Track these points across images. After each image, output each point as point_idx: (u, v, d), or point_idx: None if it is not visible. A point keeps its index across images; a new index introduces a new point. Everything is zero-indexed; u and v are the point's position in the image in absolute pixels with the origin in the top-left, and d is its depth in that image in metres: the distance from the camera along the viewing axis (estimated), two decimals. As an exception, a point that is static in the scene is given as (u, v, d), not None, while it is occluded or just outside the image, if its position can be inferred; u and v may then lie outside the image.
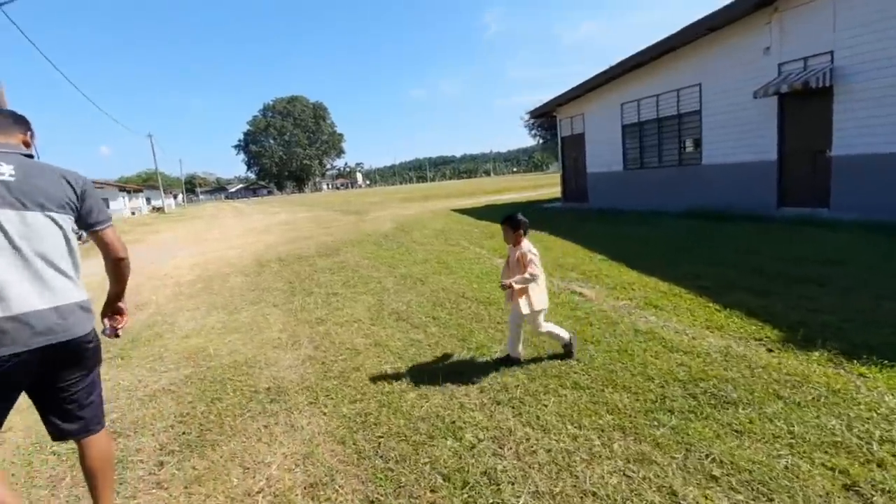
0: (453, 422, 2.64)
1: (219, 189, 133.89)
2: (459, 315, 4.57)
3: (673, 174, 12.11)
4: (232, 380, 3.52)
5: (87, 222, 1.84)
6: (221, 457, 2.51)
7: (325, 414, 2.87)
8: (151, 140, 50.36)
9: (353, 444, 2.52)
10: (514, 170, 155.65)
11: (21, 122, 1.90)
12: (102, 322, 2.03)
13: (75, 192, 1.78)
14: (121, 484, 2.34)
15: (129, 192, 48.82)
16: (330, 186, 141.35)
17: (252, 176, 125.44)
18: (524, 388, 2.96)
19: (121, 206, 44.16)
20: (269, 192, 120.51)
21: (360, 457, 2.40)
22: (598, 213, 12.69)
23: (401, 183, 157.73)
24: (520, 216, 3.18)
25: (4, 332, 1.55)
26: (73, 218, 1.78)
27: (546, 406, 2.73)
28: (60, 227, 1.73)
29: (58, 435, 1.81)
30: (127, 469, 2.47)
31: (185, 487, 2.29)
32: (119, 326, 2.07)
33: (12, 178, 1.66)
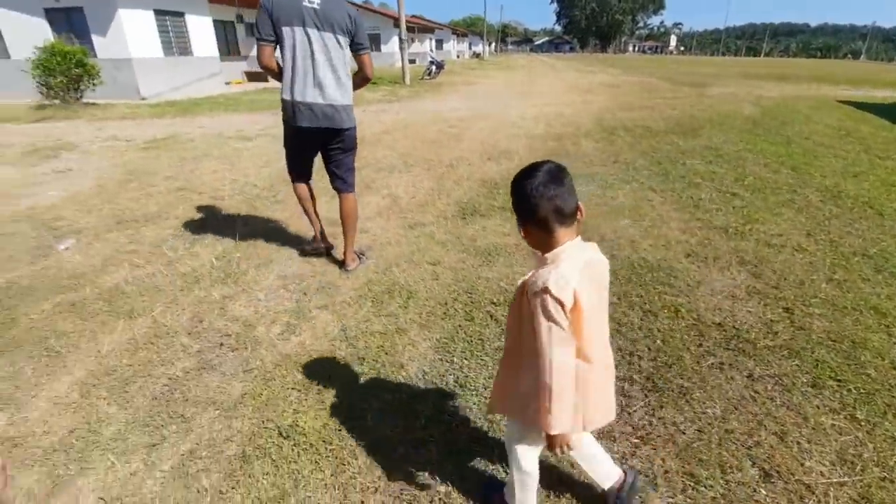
0: None
1: (525, 41, 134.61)
2: None
3: None
4: (661, 299, 2.71)
5: (355, 44, 2.64)
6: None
7: (876, 447, 1.75)
8: (482, -19, 51.47)
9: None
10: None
11: None
12: None
13: (353, 22, 2.55)
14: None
15: (458, 35, 53.03)
16: (636, 49, 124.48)
17: (558, 29, 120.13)
18: None
19: (450, 47, 48.67)
20: (571, 49, 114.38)
21: None
22: None
23: (723, 54, 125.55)
24: (531, 178, 1.04)
25: (312, 111, 2.57)
26: (348, 41, 2.59)
27: None
28: (341, 47, 2.54)
29: (332, 186, 2.91)
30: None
31: None
32: None
33: (318, 6, 2.44)
